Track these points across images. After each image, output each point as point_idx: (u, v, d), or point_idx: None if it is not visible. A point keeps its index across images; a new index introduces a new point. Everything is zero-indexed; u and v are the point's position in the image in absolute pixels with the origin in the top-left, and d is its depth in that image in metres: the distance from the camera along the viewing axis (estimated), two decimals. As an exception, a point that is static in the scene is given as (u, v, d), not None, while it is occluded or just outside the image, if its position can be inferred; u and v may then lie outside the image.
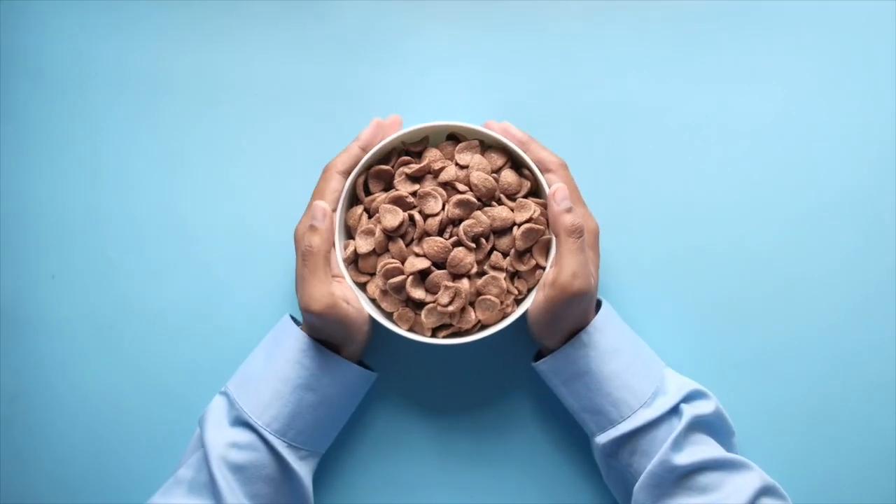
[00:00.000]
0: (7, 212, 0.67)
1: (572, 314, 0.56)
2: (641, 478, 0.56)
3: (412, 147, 0.59)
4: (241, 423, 0.57)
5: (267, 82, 0.66)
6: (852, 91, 0.65)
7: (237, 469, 0.56)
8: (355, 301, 0.57)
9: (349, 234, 0.60)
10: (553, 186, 0.57)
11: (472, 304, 0.58)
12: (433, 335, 0.58)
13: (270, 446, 0.56)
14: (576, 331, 0.58)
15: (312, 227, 0.57)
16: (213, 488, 0.56)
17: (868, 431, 0.63)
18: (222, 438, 0.56)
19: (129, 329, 0.65)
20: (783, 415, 0.63)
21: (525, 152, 0.58)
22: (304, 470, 0.58)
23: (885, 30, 0.65)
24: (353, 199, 0.60)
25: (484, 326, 0.59)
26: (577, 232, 0.55)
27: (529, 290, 0.59)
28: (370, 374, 0.60)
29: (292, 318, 0.60)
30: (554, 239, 0.57)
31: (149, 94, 0.67)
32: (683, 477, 0.55)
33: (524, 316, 0.58)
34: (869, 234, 0.64)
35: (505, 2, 0.66)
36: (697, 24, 0.66)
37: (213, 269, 0.66)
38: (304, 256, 0.56)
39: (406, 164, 0.59)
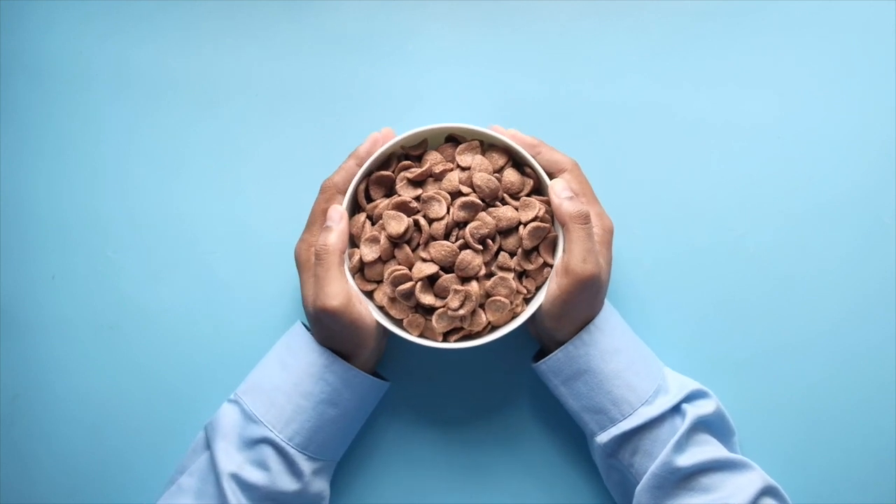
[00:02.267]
0: (7, 212, 0.67)
1: (584, 301, 0.56)
2: (644, 479, 0.56)
3: (411, 151, 0.59)
4: (257, 437, 0.56)
5: (267, 82, 0.66)
6: (852, 91, 0.65)
7: (249, 488, 0.55)
8: (367, 303, 0.57)
9: (353, 242, 0.59)
10: (551, 182, 0.57)
11: (481, 305, 0.58)
12: (444, 339, 0.58)
13: (290, 460, 0.56)
14: (586, 321, 0.58)
15: (327, 228, 0.56)
16: (221, 502, 0.55)
17: (868, 431, 0.63)
18: (235, 454, 0.56)
19: (129, 329, 0.65)
20: (783, 415, 0.63)
21: (536, 156, 0.58)
22: (321, 480, 0.58)
23: (885, 30, 0.65)
24: (354, 208, 0.59)
25: (495, 327, 0.58)
26: (581, 218, 0.55)
27: (538, 289, 0.58)
28: (385, 384, 0.60)
29: (304, 325, 0.60)
30: (560, 234, 0.57)
31: (149, 94, 0.66)
32: (686, 478, 0.56)
33: (530, 317, 0.58)
34: (869, 234, 0.64)
35: (505, 2, 0.66)
36: (698, 24, 0.66)
37: (213, 268, 0.65)
38: (318, 255, 0.56)
39: (406, 168, 0.58)
